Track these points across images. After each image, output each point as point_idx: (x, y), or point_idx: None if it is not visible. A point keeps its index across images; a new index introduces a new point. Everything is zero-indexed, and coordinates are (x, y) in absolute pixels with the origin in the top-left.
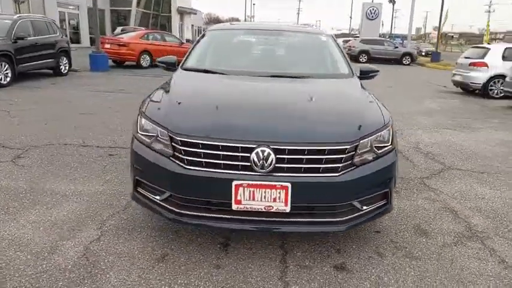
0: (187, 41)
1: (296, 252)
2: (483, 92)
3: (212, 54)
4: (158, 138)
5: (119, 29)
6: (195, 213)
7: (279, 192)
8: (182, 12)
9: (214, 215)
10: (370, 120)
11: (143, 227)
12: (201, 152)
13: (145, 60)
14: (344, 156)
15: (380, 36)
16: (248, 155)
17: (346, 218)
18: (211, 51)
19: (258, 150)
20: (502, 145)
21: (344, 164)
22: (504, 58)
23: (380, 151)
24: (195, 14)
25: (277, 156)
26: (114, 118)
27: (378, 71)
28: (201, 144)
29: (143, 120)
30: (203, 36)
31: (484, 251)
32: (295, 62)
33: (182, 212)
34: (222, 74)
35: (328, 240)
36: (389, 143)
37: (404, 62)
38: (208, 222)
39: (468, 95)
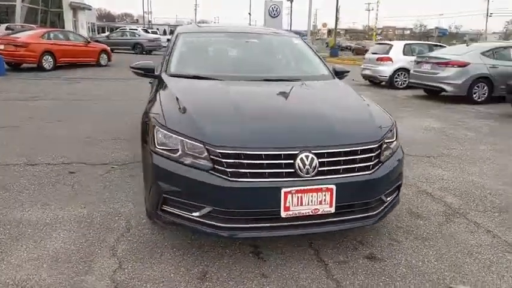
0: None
1: (326, 250)
2: (389, 83)
3: (195, 58)
4: (187, 151)
5: (2, 27)
6: (244, 226)
7: (325, 195)
8: (75, 8)
9: (264, 225)
10: (383, 119)
11: (161, 247)
12: (244, 162)
13: (48, 62)
14: (373, 154)
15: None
16: (292, 161)
17: (377, 211)
18: (192, 56)
19: (302, 156)
20: (428, 131)
21: (374, 162)
22: (404, 53)
23: (392, 146)
24: (90, 9)
25: (319, 160)
26: (47, 129)
27: (349, 71)
28: (243, 154)
29: (163, 133)
30: (176, 38)
31: (470, 225)
32: (279, 64)
33: (232, 226)
34: (216, 79)
35: (348, 234)
36: (395, 139)
37: None
38: (261, 233)
39: (376, 86)
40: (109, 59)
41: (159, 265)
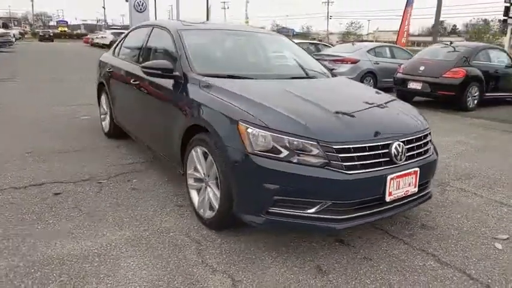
0: None
1: (392, 228)
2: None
3: (211, 57)
4: (295, 150)
5: None
6: (357, 214)
7: (412, 177)
8: None
9: (373, 211)
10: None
11: (252, 251)
12: (354, 155)
13: None
14: (429, 140)
15: None
16: (387, 150)
17: (429, 190)
18: (207, 54)
19: (395, 144)
20: None
21: (430, 145)
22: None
23: None
24: None
25: (405, 147)
26: None
27: (334, 69)
28: (353, 148)
29: (263, 135)
30: (179, 36)
31: (463, 192)
32: (288, 62)
33: (347, 216)
34: (252, 78)
35: (375, 225)
36: None
37: None
38: (370, 219)
39: None
40: None
41: (267, 269)
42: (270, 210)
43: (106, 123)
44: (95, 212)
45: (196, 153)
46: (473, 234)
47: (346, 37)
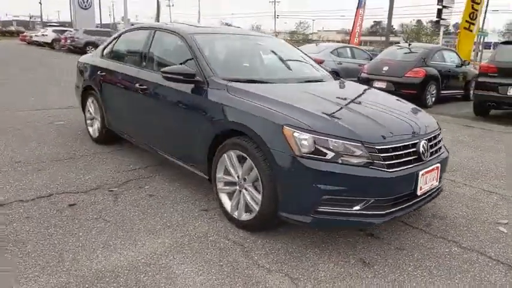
0: None
1: (410, 219)
2: None
3: (226, 61)
4: (340, 151)
5: None
6: (395, 209)
7: (435, 172)
8: None
9: (407, 204)
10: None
11: (301, 249)
12: (392, 154)
13: None
14: (441, 138)
15: (98, 26)
16: (415, 149)
17: (442, 183)
18: (222, 58)
19: (422, 143)
20: None
21: (442, 143)
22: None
23: None
24: None
25: (428, 144)
26: None
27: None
28: (391, 148)
29: (312, 138)
30: (192, 40)
31: (455, 183)
32: (295, 66)
33: (386, 212)
34: (270, 82)
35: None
36: None
37: None
38: (404, 212)
39: None
40: None
41: (317, 266)
42: (318, 210)
43: (94, 129)
44: (122, 222)
45: (229, 157)
46: (478, 220)
47: (294, 36)
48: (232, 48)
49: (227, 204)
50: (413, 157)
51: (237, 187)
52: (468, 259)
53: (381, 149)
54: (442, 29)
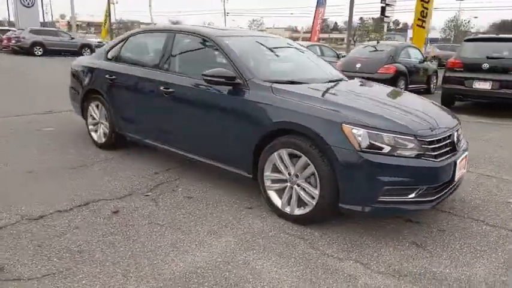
0: None
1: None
2: None
3: (260, 63)
4: (395, 145)
5: None
6: (437, 196)
7: (465, 161)
8: None
9: (447, 190)
10: None
11: (365, 242)
12: (436, 146)
13: None
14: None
15: (42, 25)
16: (450, 140)
17: None
18: (254, 61)
19: (455, 134)
20: None
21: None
22: None
23: None
24: None
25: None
26: None
27: None
28: (436, 140)
29: (370, 134)
30: (222, 43)
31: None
32: (317, 66)
33: (433, 198)
34: (303, 83)
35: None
36: None
37: (84, 53)
38: (445, 196)
39: None
40: None
41: (379, 250)
42: (379, 200)
43: (99, 134)
44: (176, 224)
45: (280, 156)
46: (492, 201)
47: None
48: (258, 50)
49: (277, 200)
50: (449, 147)
51: (288, 184)
52: (500, 235)
53: (430, 141)
54: (386, 26)
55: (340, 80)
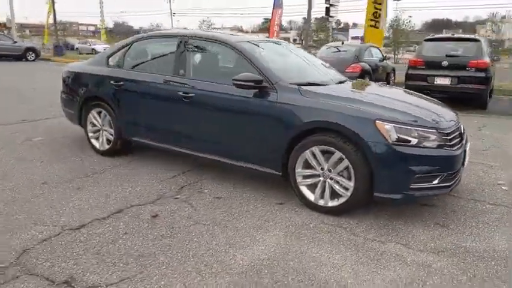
0: None
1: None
2: None
3: (278, 67)
4: (421, 138)
5: None
6: (453, 181)
7: (469, 150)
8: None
9: (457, 176)
10: None
11: (396, 226)
12: (452, 137)
13: None
14: None
15: None
16: (459, 132)
17: None
18: (273, 64)
19: (461, 127)
20: None
21: None
22: None
23: None
24: None
25: None
26: None
27: None
28: (451, 132)
29: (397, 127)
30: (250, 50)
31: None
32: (324, 68)
33: (451, 183)
34: (324, 85)
35: None
36: None
37: (28, 57)
38: (458, 182)
39: None
40: None
41: (411, 232)
42: (411, 187)
43: (102, 141)
44: (221, 223)
45: (312, 153)
46: (484, 184)
47: None
48: (273, 54)
49: (309, 195)
50: (458, 138)
51: (321, 178)
52: (503, 211)
53: (447, 133)
54: (331, 25)
55: (345, 81)
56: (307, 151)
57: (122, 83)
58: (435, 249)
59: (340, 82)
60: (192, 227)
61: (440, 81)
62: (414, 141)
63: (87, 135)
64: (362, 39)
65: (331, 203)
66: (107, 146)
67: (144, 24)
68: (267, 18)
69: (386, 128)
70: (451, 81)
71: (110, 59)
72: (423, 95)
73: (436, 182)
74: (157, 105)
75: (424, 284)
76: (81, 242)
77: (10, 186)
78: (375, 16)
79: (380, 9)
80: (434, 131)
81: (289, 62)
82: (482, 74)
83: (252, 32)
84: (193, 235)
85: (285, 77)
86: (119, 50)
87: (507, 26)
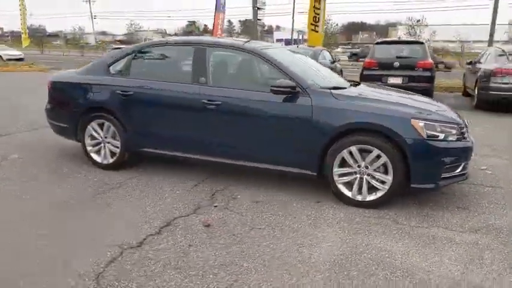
0: None
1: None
2: None
3: (308, 73)
4: (445, 132)
5: None
6: (467, 169)
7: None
8: None
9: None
10: None
11: (428, 214)
12: (465, 130)
13: None
14: None
15: None
16: (465, 126)
17: None
18: (298, 70)
19: (466, 122)
20: None
21: None
22: None
23: None
24: None
25: None
26: None
27: None
28: (462, 126)
29: (429, 124)
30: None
31: None
32: (329, 72)
33: (467, 170)
34: (344, 88)
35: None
36: None
37: None
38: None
39: None
40: None
41: (448, 215)
42: (442, 176)
43: (105, 154)
44: (276, 225)
45: (350, 152)
46: (473, 170)
47: (133, 37)
48: (294, 60)
49: (346, 191)
50: (463, 135)
51: (358, 175)
52: (502, 192)
53: (462, 127)
54: (259, 28)
55: (357, 83)
56: (345, 150)
57: (131, 92)
58: (472, 229)
59: (353, 85)
60: (251, 232)
61: (393, 80)
62: (441, 135)
63: (85, 149)
64: (287, 41)
65: (369, 197)
66: (112, 159)
67: (62, 27)
68: (191, 21)
69: (421, 125)
70: (403, 80)
71: (111, 67)
72: (422, 95)
73: (458, 170)
74: (176, 113)
75: (482, 258)
76: (151, 260)
77: (29, 211)
78: (315, 20)
79: (319, 14)
80: (455, 125)
81: (305, 67)
82: (428, 74)
83: (175, 34)
84: (257, 239)
85: (313, 81)
86: (121, 58)
87: (424, 29)
